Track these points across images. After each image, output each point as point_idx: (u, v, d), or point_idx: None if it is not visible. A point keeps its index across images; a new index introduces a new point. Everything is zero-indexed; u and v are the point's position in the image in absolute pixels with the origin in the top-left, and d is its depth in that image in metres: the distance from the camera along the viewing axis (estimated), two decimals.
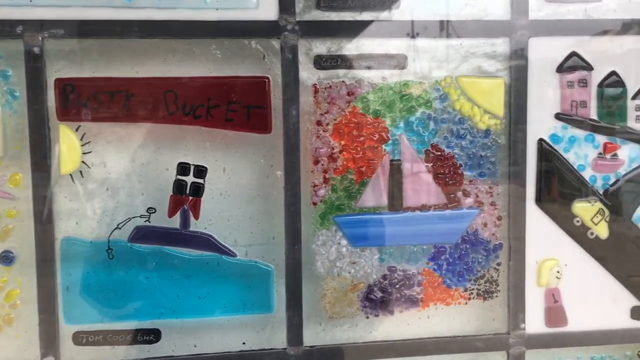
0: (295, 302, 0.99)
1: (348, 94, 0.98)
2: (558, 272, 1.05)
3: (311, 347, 1.01)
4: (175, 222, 0.96)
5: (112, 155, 0.95)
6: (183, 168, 0.96)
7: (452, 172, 1.02)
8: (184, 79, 0.94)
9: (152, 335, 0.97)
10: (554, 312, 1.05)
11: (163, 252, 0.96)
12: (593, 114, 1.03)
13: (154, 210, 0.96)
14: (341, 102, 0.98)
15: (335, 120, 0.99)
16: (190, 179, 0.96)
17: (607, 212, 1.05)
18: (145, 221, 0.96)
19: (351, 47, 0.98)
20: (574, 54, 1.02)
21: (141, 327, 0.97)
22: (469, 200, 1.02)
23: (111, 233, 0.95)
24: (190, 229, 0.97)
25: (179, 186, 0.96)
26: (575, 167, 1.04)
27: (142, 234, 0.95)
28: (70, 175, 0.94)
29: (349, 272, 1.02)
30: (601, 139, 1.04)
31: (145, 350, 0.98)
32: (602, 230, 1.05)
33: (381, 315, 1.03)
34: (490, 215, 1.03)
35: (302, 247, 0.99)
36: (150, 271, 0.96)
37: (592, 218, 1.04)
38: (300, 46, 0.96)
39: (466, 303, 1.04)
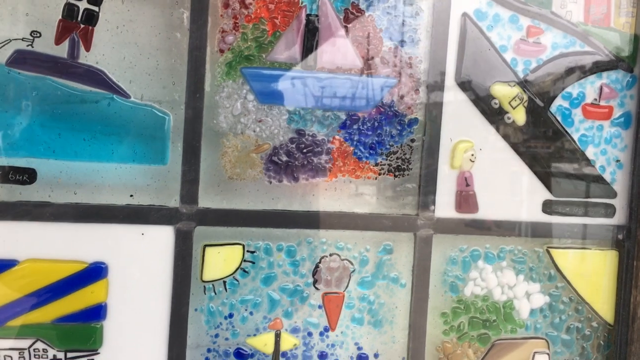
0: (192, 156, 0.91)
1: None
2: (472, 155, 1.01)
3: (206, 208, 0.93)
4: (62, 50, 0.87)
5: None
6: None
7: (371, 37, 0.96)
8: None
9: (25, 175, 0.87)
10: (465, 197, 1.01)
11: (46, 83, 0.86)
12: None
13: (38, 34, 0.86)
14: None
15: None
16: (83, 4, 0.87)
17: (525, 97, 1.01)
18: (27, 45, 0.85)
19: None
20: None
21: (14, 165, 0.87)
22: (387, 70, 0.97)
23: None
24: (80, 60, 0.87)
25: (69, 10, 0.86)
26: (497, 47, 1.00)
27: (23, 59, 0.85)
28: None
29: (254, 131, 0.94)
30: (525, 21, 1.01)
31: (17, 193, 0.87)
32: (519, 116, 1.02)
33: (285, 181, 0.96)
34: (407, 87, 0.98)
35: (205, 98, 0.91)
36: (30, 102, 0.86)
37: (510, 101, 1.01)
38: None
39: (376, 178, 0.99)
